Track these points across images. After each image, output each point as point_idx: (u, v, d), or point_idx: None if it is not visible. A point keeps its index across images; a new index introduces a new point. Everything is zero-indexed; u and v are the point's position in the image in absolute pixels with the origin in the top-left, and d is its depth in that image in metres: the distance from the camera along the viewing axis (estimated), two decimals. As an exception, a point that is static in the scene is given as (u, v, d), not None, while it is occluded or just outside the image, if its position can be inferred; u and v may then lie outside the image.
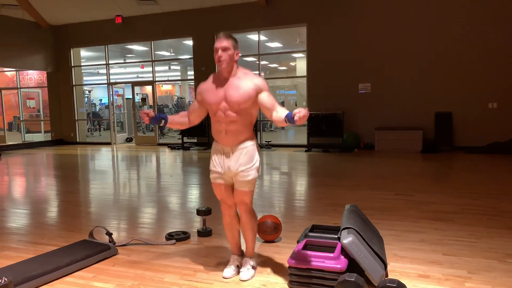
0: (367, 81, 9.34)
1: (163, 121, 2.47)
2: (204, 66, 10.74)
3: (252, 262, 2.56)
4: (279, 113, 2.24)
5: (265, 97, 2.31)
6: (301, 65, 14.69)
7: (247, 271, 2.50)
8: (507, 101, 8.34)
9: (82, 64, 13.02)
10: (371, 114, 9.33)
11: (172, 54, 14.07)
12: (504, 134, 8.36)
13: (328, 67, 9.61)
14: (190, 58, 11.36)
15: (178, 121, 2.55)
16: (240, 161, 2.36)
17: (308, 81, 9.90)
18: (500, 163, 6.81)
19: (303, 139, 10.33)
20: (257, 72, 10.89)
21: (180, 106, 17.25)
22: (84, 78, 14.03)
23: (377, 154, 8.46)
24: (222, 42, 2.28)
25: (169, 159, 8.68)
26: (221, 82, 2.36)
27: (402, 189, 4.89)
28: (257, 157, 2.41)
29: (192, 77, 11.27)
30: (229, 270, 2.54)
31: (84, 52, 13.47)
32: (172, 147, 10.82)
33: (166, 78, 19.12)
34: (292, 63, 18.20)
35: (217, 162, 2.44)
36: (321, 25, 9.57)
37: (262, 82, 2.33)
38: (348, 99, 9.47)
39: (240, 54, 2.37)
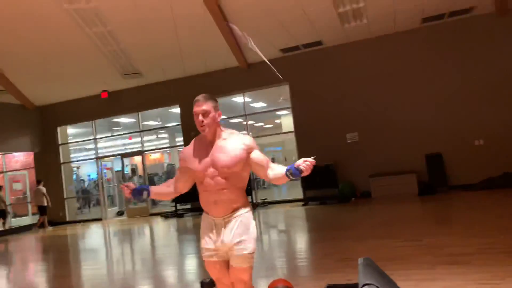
0: (354, 130, 9.48)
1: (145, 193, 2.23)
2: (193, 130, 10.82)
3: None
4: (276, 170, 2.10)
5: (259, 155, 2.15)
6: (286, 121, 14.99)
7: None
8: (492, 137, 8.47)
9: (69, 141, 12.99)
10: (363, 162, 9.33)
11: (160, 122, 14.24)
12: (495, 169, 8.37)
13: (314, 121, 9.77)
14: (178, 125, 11.49)
15: (163, 191, 2.31)
16: (234, 231, 2.10)
17: (296, 136, 10.01)
18: (499, 198, 6.75)
19: (298, 193, 10.18)
20: (245, 132, 11.01)
21: (170, 173, 17.12)
22: (72, 155, 13.92)
23: (375, 201, 8.34)
24: (201, 106, 2.10)
25: (163, 229, 8.36)
26: (206, 146, 2.16)
27: (409, 235, 4.72)
28: (253, 225, 2.17)
29: (182, 143, 11.31)
30: None
31: (70, 129, 13.51)
32: (165, 216, 10.49)
33: (154, 147, 19.16)
34: (277, 121, 18.63)
35: (208, 238, 2.17)
36: (303, 82, 9.88)
37: (252, 140, 2.18)
38: (338, 150, 9.51)
39: (222, 116, 2.18)
